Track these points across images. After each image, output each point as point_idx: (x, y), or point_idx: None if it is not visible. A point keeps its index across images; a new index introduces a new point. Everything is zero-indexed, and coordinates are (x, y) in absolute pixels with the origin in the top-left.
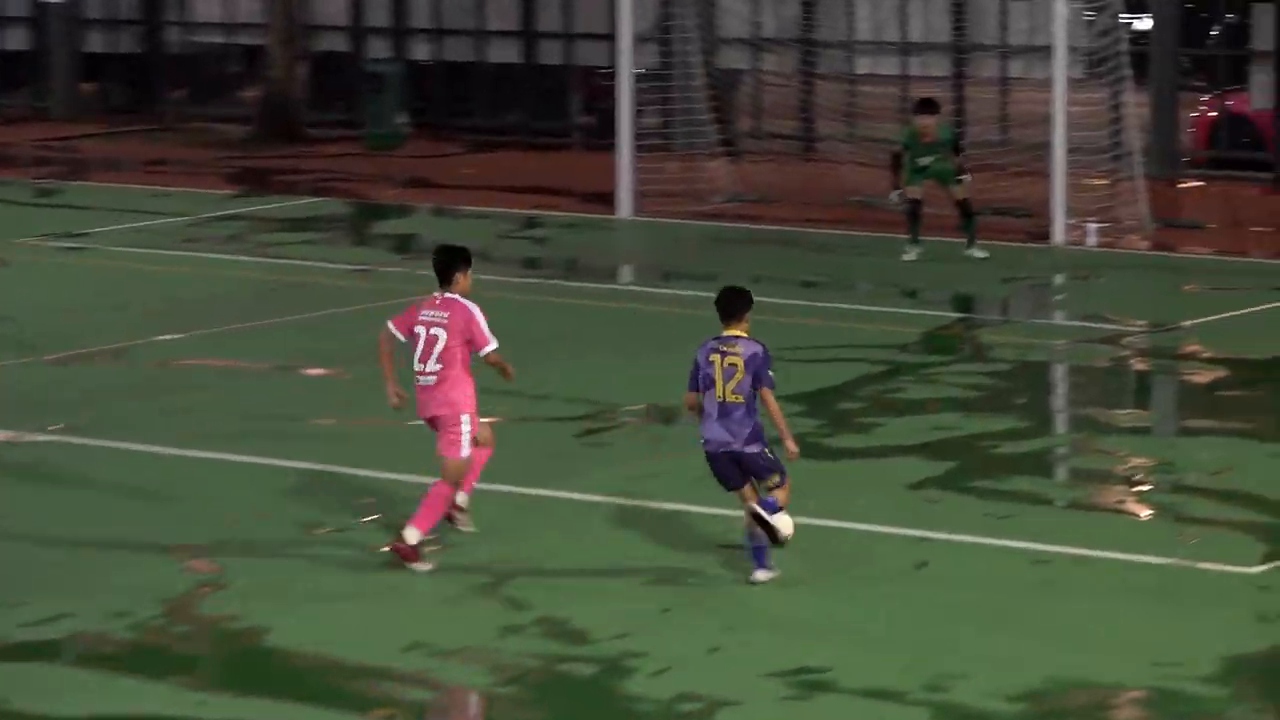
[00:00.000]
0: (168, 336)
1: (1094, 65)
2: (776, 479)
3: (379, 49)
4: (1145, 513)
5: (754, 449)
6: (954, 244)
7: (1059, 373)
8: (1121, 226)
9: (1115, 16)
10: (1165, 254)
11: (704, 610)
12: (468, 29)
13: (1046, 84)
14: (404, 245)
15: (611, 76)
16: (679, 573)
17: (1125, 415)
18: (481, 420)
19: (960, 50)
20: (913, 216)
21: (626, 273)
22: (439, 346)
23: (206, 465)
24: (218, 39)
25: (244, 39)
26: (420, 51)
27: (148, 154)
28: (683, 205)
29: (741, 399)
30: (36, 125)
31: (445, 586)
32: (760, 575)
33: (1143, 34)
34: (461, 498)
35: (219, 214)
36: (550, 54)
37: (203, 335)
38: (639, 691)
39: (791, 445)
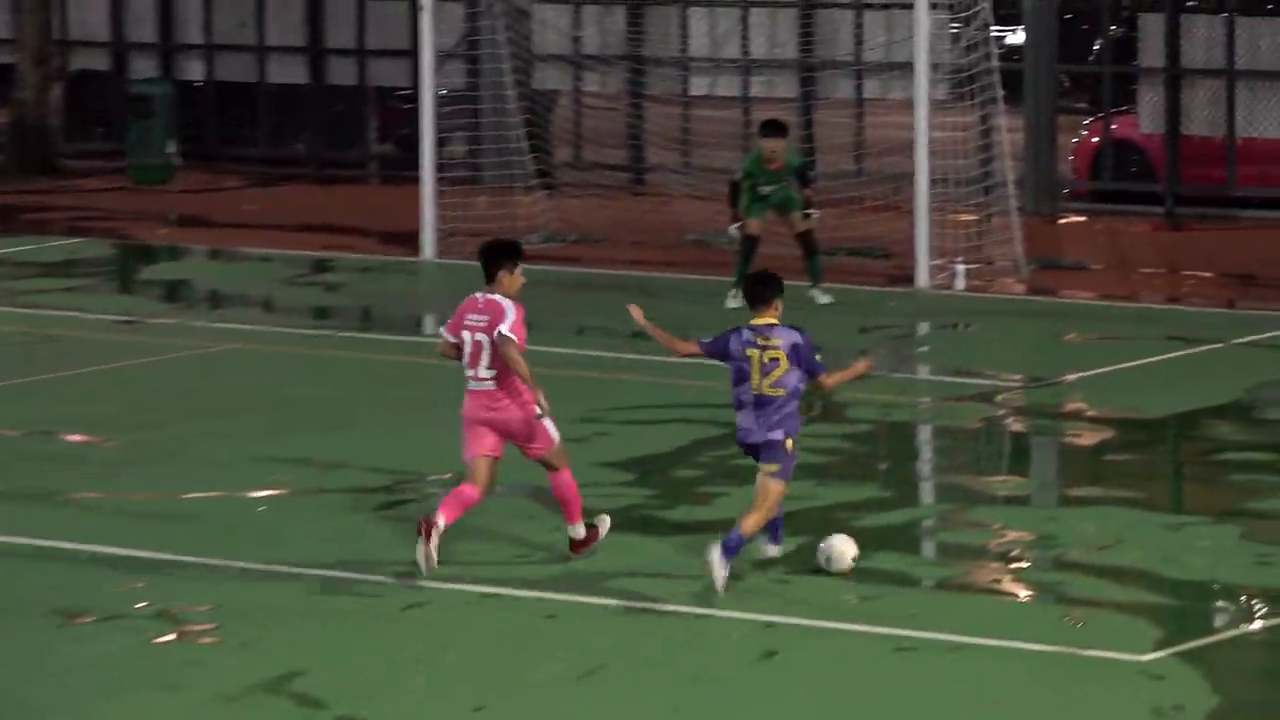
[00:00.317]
0: None
1: (961, 84)
2: (775, 468)
3: (144, 68)
4: (1024, 593)
5: (776, 435)
6: (800, 286)
7: (925, 435)
8: (994, 268)
9: (984, 29)
10: (1044, 299)
11: (518, 706)
12: (246, 44)
13: (907, 106)
14: (175, 293)
15: (412, 99)
16: (491, 663)
17: (1000, 483)
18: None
19: (809, 68)
20: (746, 256)
21: (431, 323)
22: (486, 351)
23: None
24: None
25: None
26: (192, 70)
27: None
28: None
29: (783, 392)
30: None
31: (227, 680)
32: (770, 550)
33: (1016, 49)
34: (441, 520)
35: None
36: (342, 73)
37: None
38: None
39: (860, 365)
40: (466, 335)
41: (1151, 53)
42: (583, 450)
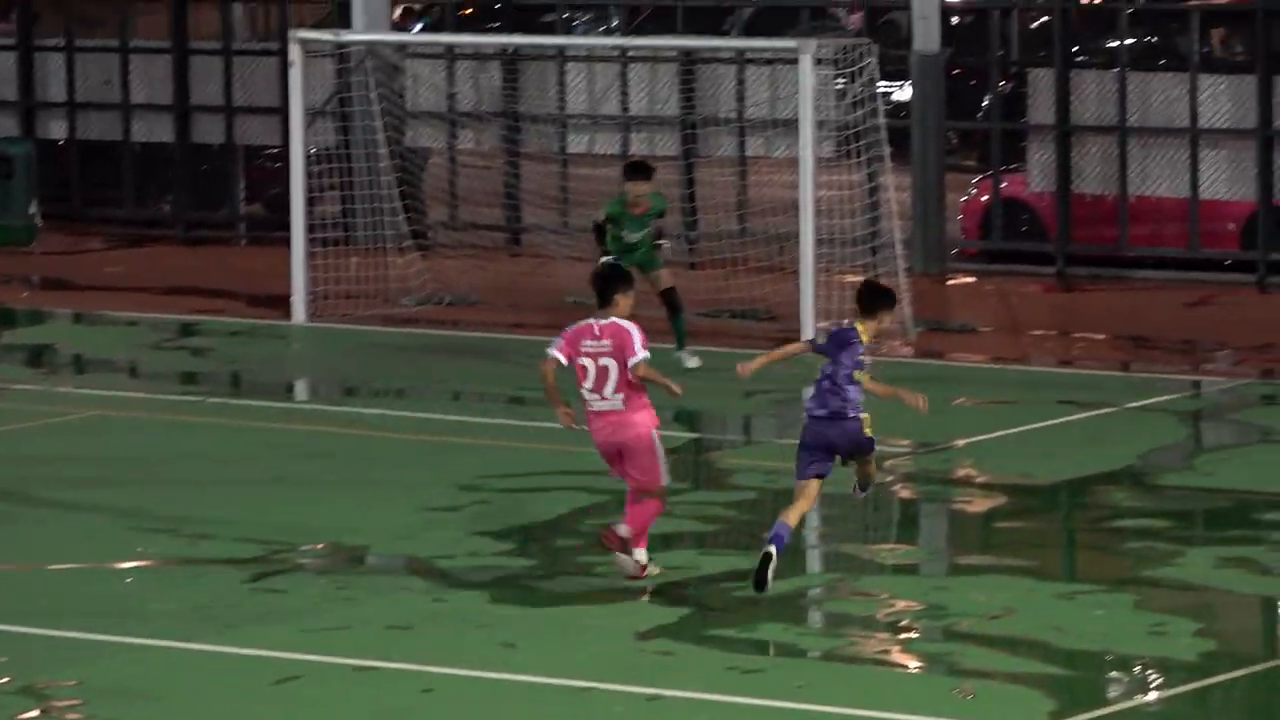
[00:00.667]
0: None
1: (846, 142)
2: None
3: (4, 126)
4: (913, 664)
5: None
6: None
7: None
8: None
9: (870, 85)
10: (932, 362)
11: None
12: (110, 102)
13: (792, 164)
14: (38, 358)
15: (281, 157)
16: None
17: (888, 551)
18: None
19: (690, 125)
20: (672, 309)
21: (302, 388)
22: (613, 376)
23: None
24: None
25: None
26: (54, 129)
27: None
28: (368, 308)
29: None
30: None
31: None
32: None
33: (903, 105)
34: (641, 554)
35: None
36: (208, 131)
37: None
38: None
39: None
40: (588, 362)
41: (1041, 109)
42: (460, 519)
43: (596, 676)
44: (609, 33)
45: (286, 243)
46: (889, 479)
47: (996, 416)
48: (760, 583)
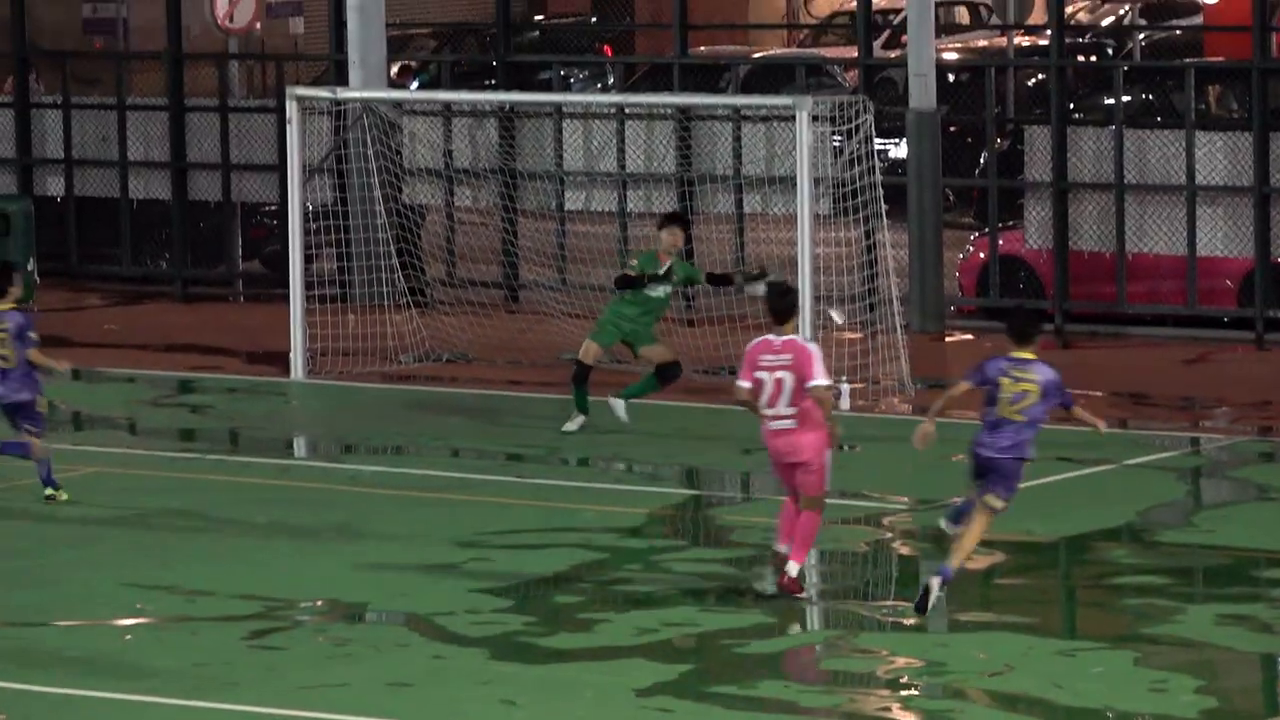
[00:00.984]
0: None
1: (844, 199)
2: (998, 502)
3: (1, 183)
4: None
5: (1006, 457)
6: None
7: (811, 558)
8: (879, 387)
9: (867, 142)
10: None
11: None
12: (107, 159)
13: (789, 220)
14: None
15: (279, 214)
16: None
17: (888, 608)
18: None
19: (687, 182)
20: (580, 381)
21: (301, 445)
22: (787, 389)
23: None
24: None
25: None
26: (51, 186)
27: None
28: (365, 365)
29: (1024, 419)
30: None
31: None
32: (934, 582)
33: (899, 163)
34: (793, 567)
35: None
36: (206, 188)
37: None
38: None
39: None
40: (765, 376)
41: (1038, 166)
42: (460, 576)
43: None
44: (605, 90)
45: (284, 299)
46: (888, 536)
47: None
48: (921, 608)
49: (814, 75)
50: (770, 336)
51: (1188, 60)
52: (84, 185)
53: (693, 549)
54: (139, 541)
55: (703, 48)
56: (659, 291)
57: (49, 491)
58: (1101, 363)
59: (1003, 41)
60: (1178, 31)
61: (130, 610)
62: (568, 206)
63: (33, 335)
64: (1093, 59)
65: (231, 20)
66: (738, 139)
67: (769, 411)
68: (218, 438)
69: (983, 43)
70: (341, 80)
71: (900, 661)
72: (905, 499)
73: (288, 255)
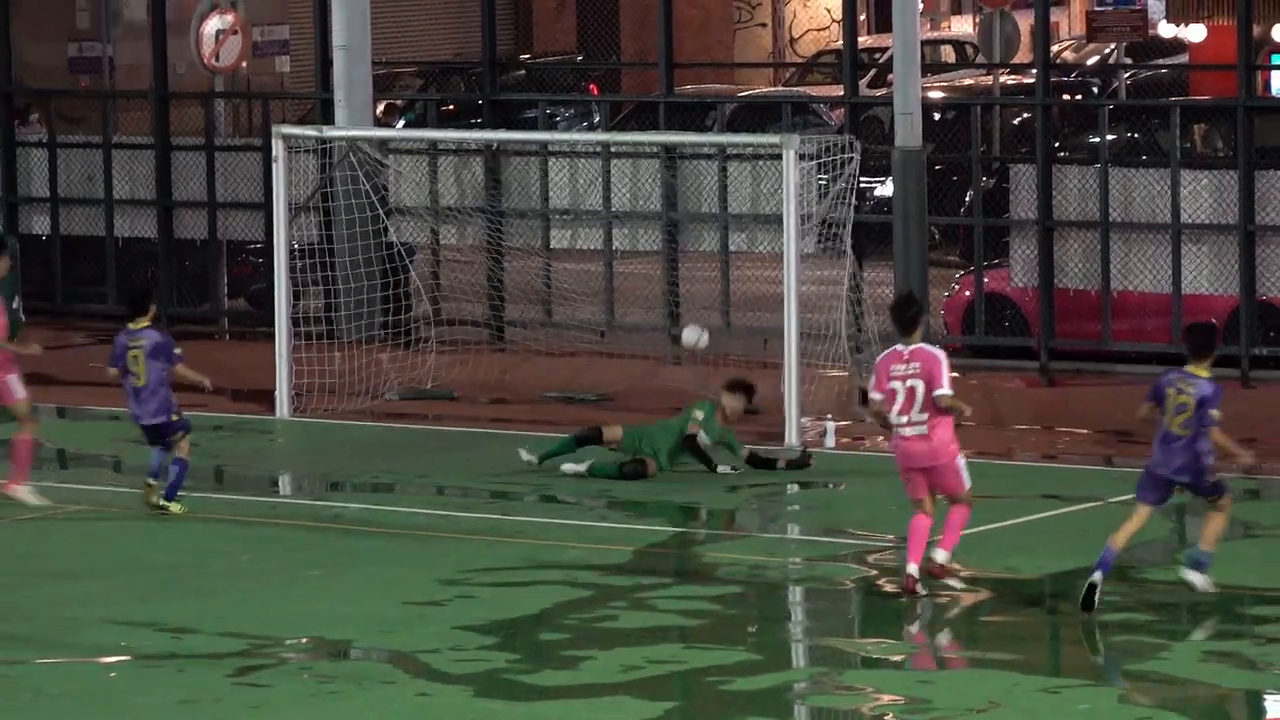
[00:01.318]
0: None
1: (829, 238)
2: (1221, 499)
3: None
4: None
5: (1183, 478)
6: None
7: (796, 595)
8: (866, 425)
9: (853, 180)
10: None
11: None
12: (93, 198)
13: (775, 259)
14: None
15: (265, 253)
16: None
17: (873, 645)
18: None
19: (673, 220)
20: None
21: (286, 483)
22: (919, 397)
23: None
24: None
25: None
26: (36, 224)
27: None
28: (351, 403)
29: (1188, 431)
30: None
31: None
32: (1193, 578)
33: (885, 201)
34: (942, 555)
35: None
36: (192, 227)
37: None
38: None
39: (1244, 456)
40: (898, 385)
41: (1023, 204)
42: (444, 613)
43: None
44: (591, 128)
45: (270, 337)
46: (874, 573)
47: (981, 511)
48: (1088, 605)
49: (800, 114)
50: (899, 347)
51: (1173, 99)
52: (69, 223)
53: (678, 586)
54: (123, 579)
55: (689, 86)
56: (724, 468)
57: (161, 502)
58: (1087, 400)
59: (988, 80)
60: (1163, 70)
61: (115, 648)
62: (553, 244)
63: (177, 351)
64: (1078, 98)
65: (218, 59)
66: (724, 177)
67: (902, 420)
68: (202, 475)
69: (968, 81)
70: (327, 119)
71: (885, 699)
72: (890, 536)
73: (273, 293)
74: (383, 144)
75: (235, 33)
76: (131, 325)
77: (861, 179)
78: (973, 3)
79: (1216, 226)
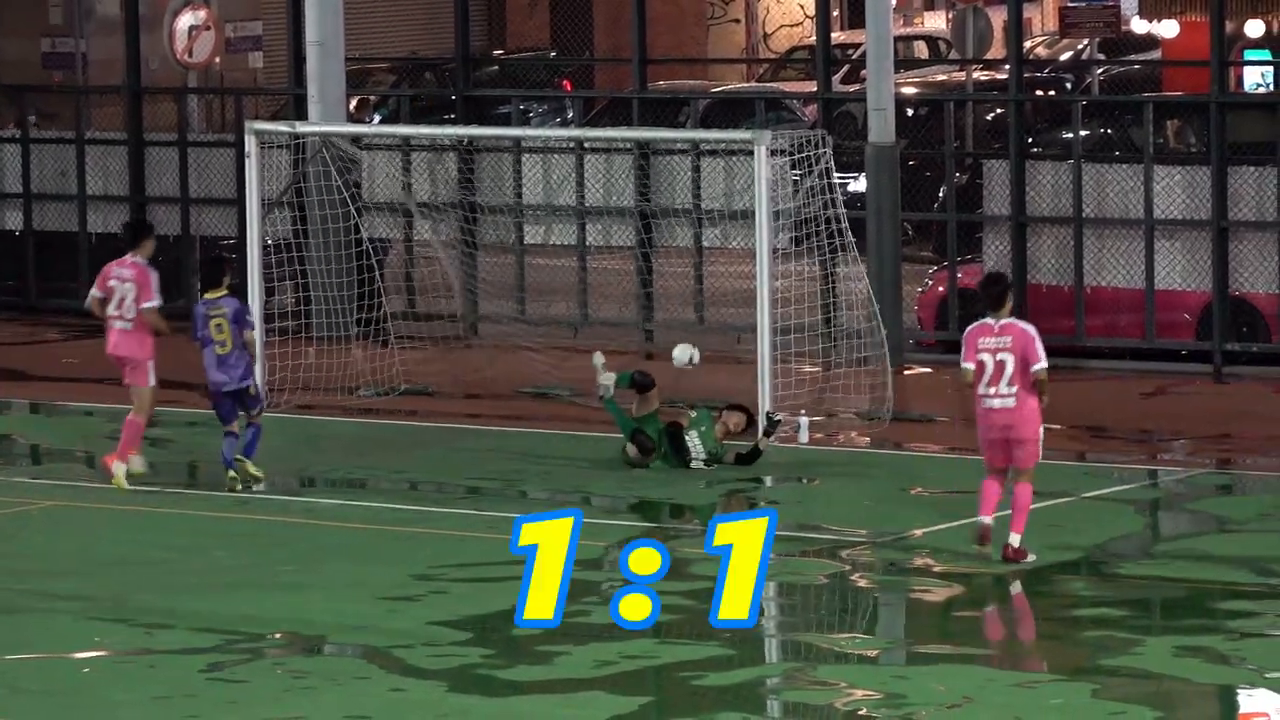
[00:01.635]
0: None
1: (803, 233)
2: None
3: None
4: None
5: None
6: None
7: (770, 591)
8: (838, 420)
9: (826, 176)
10: (890, 452)
11: None
12: (66, 194)
13: (748, 255)
14: None
15: (238, 248)
16: None
17: (846, 640)
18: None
19: (646, 216)
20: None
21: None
22: (1009, 370)
23: None
24: None
25: None
26: (9, 220)
27: None
28: (324, 399)
29: None
30: None
31: None
32: None
33: (858, 196)
34: (1015, 538)
35: None
36: (165, 222)
37: None
38: None
39: None
40: (987, 358)
41: (996, 200)
42: (418, 608)
43: None
44: (565, 124)
45: None
46: (847, 568)
47: (954, 506)
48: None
49: (773, 110)
50: (989, 320)
51: (1146, 95)
52: (43, 219)
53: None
54: (97, 575)
55: (662, 82)
56: (698, 463)
57: (232, 474)
58: (1060, 396)
59: (961, 76)
60: (1136, 66)
61: (88, 644)
62: (527, 240)
63: (249, 318)
64: (1051, 93)
65: (191, 55)
66: (697, 173)
67: (990, 390)
68: (176, 471)
69: (941, 77)
70: (301, 114)
71: (859, 694)
72: (864, 531)
73: (247, 289)
74: (356, 139)
75: (208, 28)
76: (208, 295)
77: (835, 175)
78: None
79: (1189, 222)
